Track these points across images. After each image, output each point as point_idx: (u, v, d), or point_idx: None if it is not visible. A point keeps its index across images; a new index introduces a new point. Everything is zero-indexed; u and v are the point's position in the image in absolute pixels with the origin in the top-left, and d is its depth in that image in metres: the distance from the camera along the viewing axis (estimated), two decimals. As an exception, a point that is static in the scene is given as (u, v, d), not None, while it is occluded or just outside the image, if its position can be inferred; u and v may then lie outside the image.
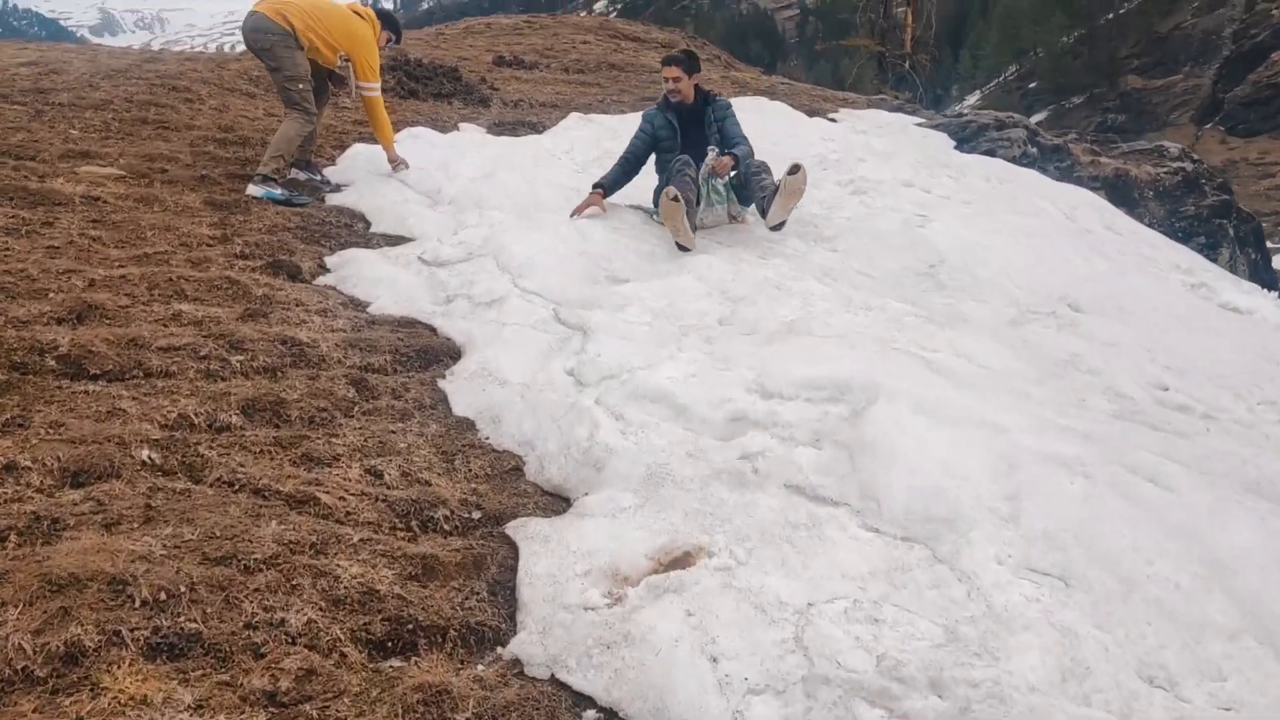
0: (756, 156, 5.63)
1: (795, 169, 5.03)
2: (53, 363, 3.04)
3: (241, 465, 2.65)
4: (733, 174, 5.58)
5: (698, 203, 5.56)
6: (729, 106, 5.96)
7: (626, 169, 6.03)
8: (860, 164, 7.21)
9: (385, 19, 6.49)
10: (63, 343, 3.12)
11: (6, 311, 3.33)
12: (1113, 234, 6.03)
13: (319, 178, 6.37)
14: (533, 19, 17.29)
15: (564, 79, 12.37)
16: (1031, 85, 74.96)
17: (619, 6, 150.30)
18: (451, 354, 3.91)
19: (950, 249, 4.75)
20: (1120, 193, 9.74)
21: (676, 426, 3.09)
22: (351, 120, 8.21)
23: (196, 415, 2.89)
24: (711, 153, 5.63)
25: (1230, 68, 59.11)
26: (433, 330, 4.13)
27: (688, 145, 5.87)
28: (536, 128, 9.59)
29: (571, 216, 5.59)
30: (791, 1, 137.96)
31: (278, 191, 5.70)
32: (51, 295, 3.61)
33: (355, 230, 5.43)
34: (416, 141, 7.61)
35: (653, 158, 6.00)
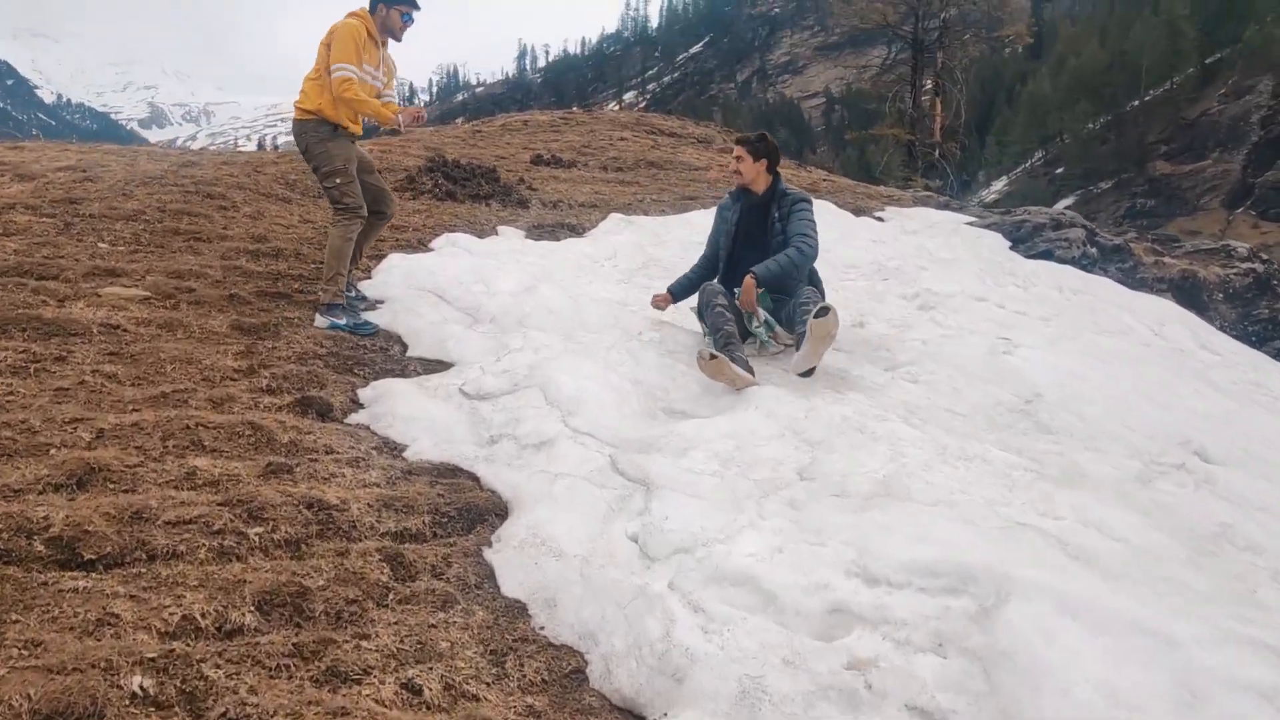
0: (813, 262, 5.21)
1: (824, 311, 4.43)
2: (41, 547, 2.62)
3: (253, 692, 2.19)
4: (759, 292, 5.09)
5: (745, 336, 5.16)
6: (802, 201, 5.34)
7: (704, 271, 5.70)
8: (922, 273, 6.79)
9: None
10: (56, 520, 2.71)
11: (2, 478, 2.94)
12: (1210, 354, 5.54)
13: (353, 293, 5.94)
14: (569, 115, 17.25)
15: (602, 177, 12.15)
16: (1058, 170, 75.26)
17: (648, 97, 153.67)
18: (498, 511, 3.47)
19: (1045, 382, 4.28)
20: (1188, 295, 9.26)
21: (767, 620, 2.61)
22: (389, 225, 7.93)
23: (203, 616, 2.45)
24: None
25: (1259, 153, 59.14)
26: (476, 480, 3.69)
27: (744, 243, 5.48)
28: (576, 230, 9.31)
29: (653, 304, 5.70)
30: (817, 91, 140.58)
31: (342, 320, 5.31)
32: (53, 453, 3.22)
33: (391, 355, 5.05)
34: (455, 250, 7.32)
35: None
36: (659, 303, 5.72)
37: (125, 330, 4.58)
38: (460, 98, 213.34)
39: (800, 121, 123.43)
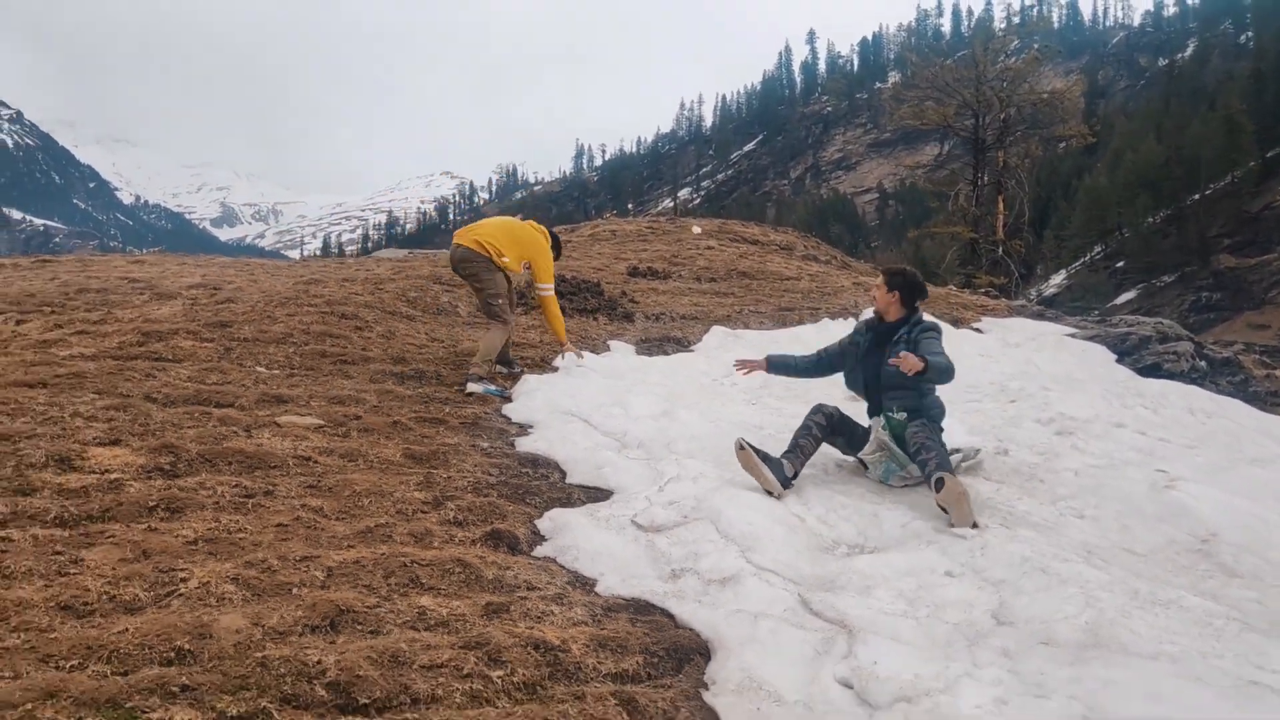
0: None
1: (940, 483, 4.56)
2: (322, 692, 2.82)
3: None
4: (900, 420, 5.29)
5: (860, 452, 5.45)
6: (931, 328, 5.44)
7: (811, 364, 6.01)
8: (1047, 394, 6.89)
9: (552, 236, 7.90)
10: (329, 664, 2.91)
11: (261, 620, 3.16)
12: (1365, 485, 5.55)
13: (518, 368, 7.71)
14: (654, 223, 17.77)
15: (697, 288, 12.49)
16: (1119, 264, 74.88)
17: (702, 194, 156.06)
18: (700, 649, 3.60)
19: (1220, 521, 4.34)
20: (1301, 408, 9.19)
21: (1008, 777, 2.70)
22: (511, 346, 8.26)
23: (484, 764, 2.62)
24: (877, 424, 5.40)
25: (1327, 245, 58.36)
26: (671, 618, 3.83)
27: (865, 364, 5.67)
28: (683, 344, 9.59)
29: (735, 366, 6.11)
30: (871, 186, 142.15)
31: (494, 387, 6.93)
32: (295, 591, 3.44)
33: (553, 483, 5.26)
34: (581, 369, 7.59)
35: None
36: (746, 368, 6.03)
37: (316, 462, 4.85)
38: (519, 195, 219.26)
39: (854, 217, 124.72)
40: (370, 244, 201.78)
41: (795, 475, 5.06)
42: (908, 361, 4.82)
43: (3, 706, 2.51)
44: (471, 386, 6.83)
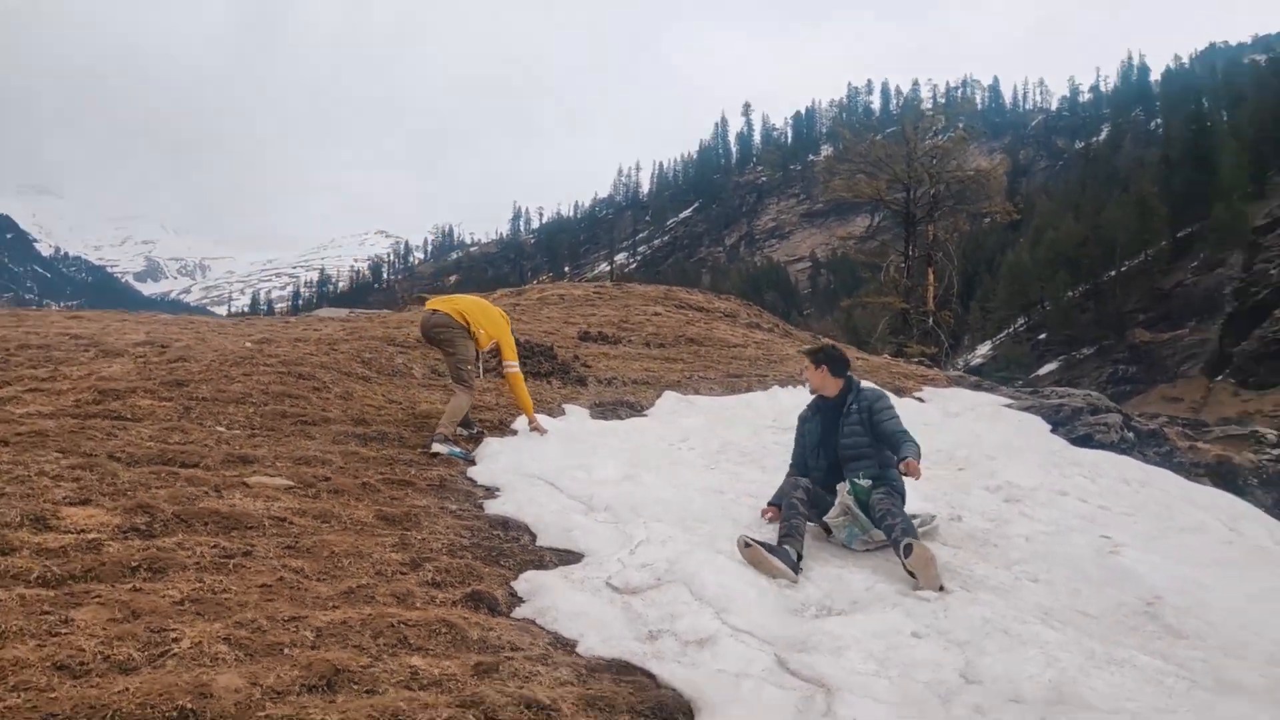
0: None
1: (909, 549, 4.77)
2: (330, 752, 2.86)
3: None
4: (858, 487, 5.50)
5: (824, 515, 5.60)
6: (880, 399, 5.74)
7: (800, 478, 6.03)
8: (992, 462, 7.19)
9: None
10: (333, 725, 2.95)
11: (258, 679, 3.19)
12: (1288, 552, 5.90)
13: (478, 429, 7.91)
14: (601, 289, 18.01)
15: (647, 354, 12.70)
16: (1041, 336, 77.40)
17: (638, 259, 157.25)
18: (683, 709, 3.69)
19: (1162, 585, 4.59)
20: (1224, 479, 9.68)
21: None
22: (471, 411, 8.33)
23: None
24: (843, 489, 5.56)
25: (1234, 324, 61.05)
26: (652, 678, 3.92)
27: (824, 446, 5.86)
28: (636, 408, 9.74)
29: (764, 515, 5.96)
30: (803, 255, 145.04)
31: (457, 449, 7.07)
32: (287, 652, 3.47)
33: (524, 545, 5.33)
34: (545, 436, 7.69)
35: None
36: (769, 516, 5.96)
37: (291, 523, 4.87)
38: (455, 256, 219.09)
39: (787, 285, 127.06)
40: (301, 301, 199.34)
41: (800, 557, 5.16)
42: (914, 471, 5.20)
43: (12, 766, 2.52)
44: (437, 447, 6.93)
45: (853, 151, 46.29)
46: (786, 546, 5.23)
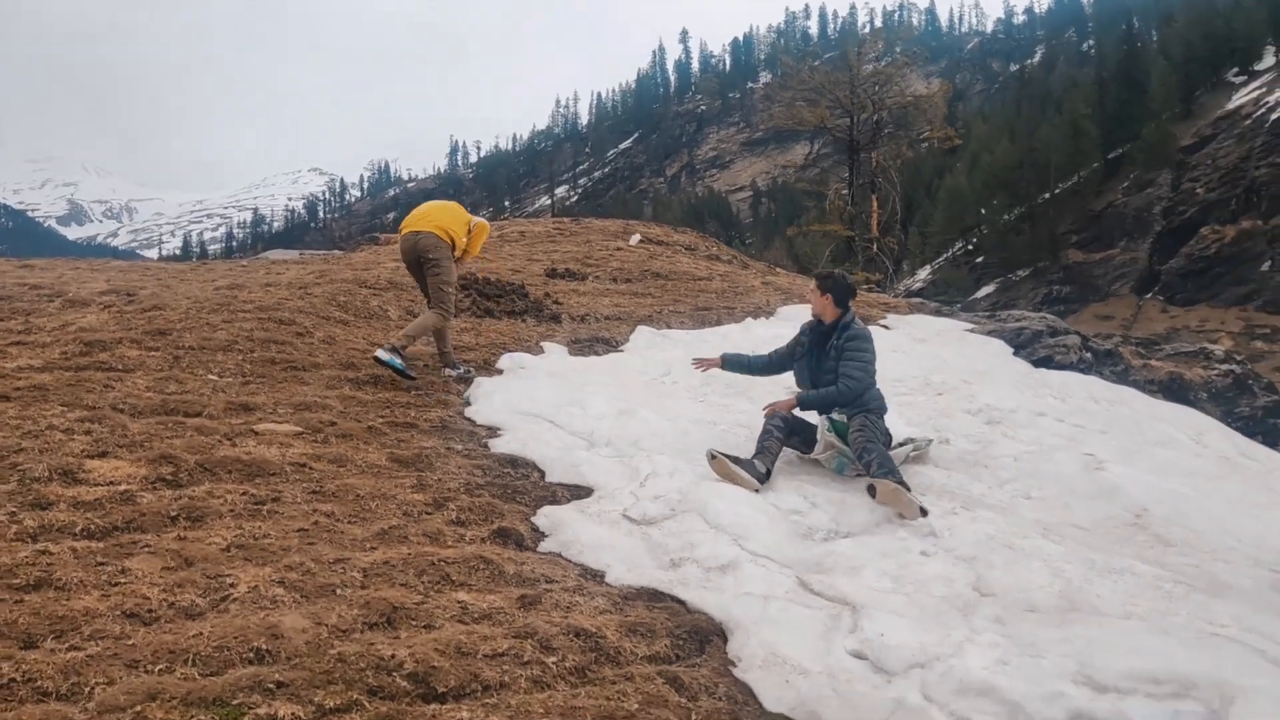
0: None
1: (872, 490, 5.00)
2: (404, 683, 3.00)
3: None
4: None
5: (813, 452, 5.88)
6: (856, 337, 5.86)
7: (764, 364, 6.37)
8: (969, 386, 7.46)
9: None
10: (404, 658, 3.09)
11: (321, 619, 3.31)
12: (1253, 461, 6.27)
13: (465, 370, 7.80)
14: (560, 224, 17.96)
15: (615, 289, 12.77)
16: (979, 260, 78.63)
17: (579, 191, 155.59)
18: (716, 631, 3.89)
19: (1147, 498, 4.90)
20: (1175, 395, 10.13)
21: (1024, 727, 3.09)
22: (458, 350, 8.38)
23: (572, 741, 2.86)
24: (822, 425, 5.82)
25: (1163, 242, 62.66)
26: (682, 603, 4.11)
27: (807, 365, 6.05)
28: (611, 344, 9.87)
29: (694, 363, 6.57)
30: (744, 185, 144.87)
31: (399, 362, 6.95)
32: (340, 592, 3.59)
33: (535, 482, 5.47)
34: (527, 372, 7.79)
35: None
36: (703, 365, 6.46)
37: (310, 468, 4.95)
38: (392, 193, 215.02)
39: (728, 214, 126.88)
40: (235, 243, 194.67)
41: (768, 472, 5.41)
42: (777, 404, 5.85)
43: (113, 710, 2.62)
44: (380, 354, 6.91)
45: (794, 79, 46.19)
46: (755, 461, 5.46)
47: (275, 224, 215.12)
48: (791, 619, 3.86)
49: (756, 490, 5.24)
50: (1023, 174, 74.20)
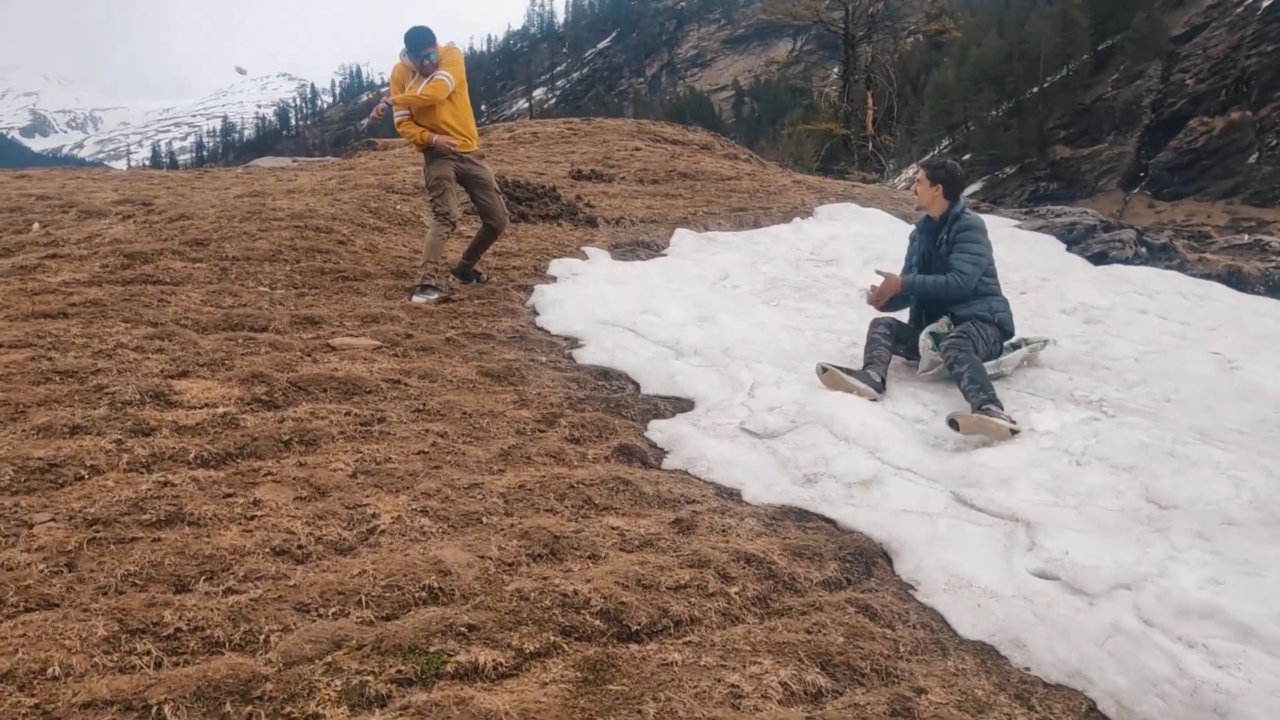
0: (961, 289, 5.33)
1: (953, 423, 4.50)
2: (596, 622, 2.72)
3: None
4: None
5: (919, 370, 5.48)
6: (968, 227, 5.46)
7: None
8: (1047, 284, 7.16)
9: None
10: (589, 594, 2.80)
11: (481, 552, 3.00)
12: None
13: (473, 281, 7.18)
14: (571, 124, 17.28)
15: (644, 191, 12.28)
16: (965, 157, 77.73)
17: (558, 94, 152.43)
18: (878, 552, 3.62)
19: (1295, 397, 4.64)
20: (1235, 288, 9.85)
21: (1262, 653, 2.84)
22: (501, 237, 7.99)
23: (793, 682, 2.58)
24: (924, 342, 5.43)
25: (1151, 135, 62.06)
26: (831, 522, 3.84)
27: (922, 266, 5.69)
28: (653, 248, 9.48)
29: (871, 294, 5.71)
30: (726, 84, 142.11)
31: (434, 295, 6.40)
32: (487, 520, 3.29)
33: (633, 395, 5.15)
34: (584, 279, 7.42)
35: None
36: (879, 297, 5.69)
37: (405, 384, 4.60)
38: (365, 98, 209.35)
39: (711, 115, 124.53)
40: (205, 152, 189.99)
41: (883, 381, 5.10)
42: (884, 287, 5.51)
43: (300, 661, 2.33)
44: (416, 298, 6.37)
45: (788, -32, 44.88)
46: (869, 370, 5.15)
47: (246, 132, 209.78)
48: (964, 537, 3.58)
49: (875, 399, 4.94)
50: (1011, 67, 72.83)
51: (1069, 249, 10.02)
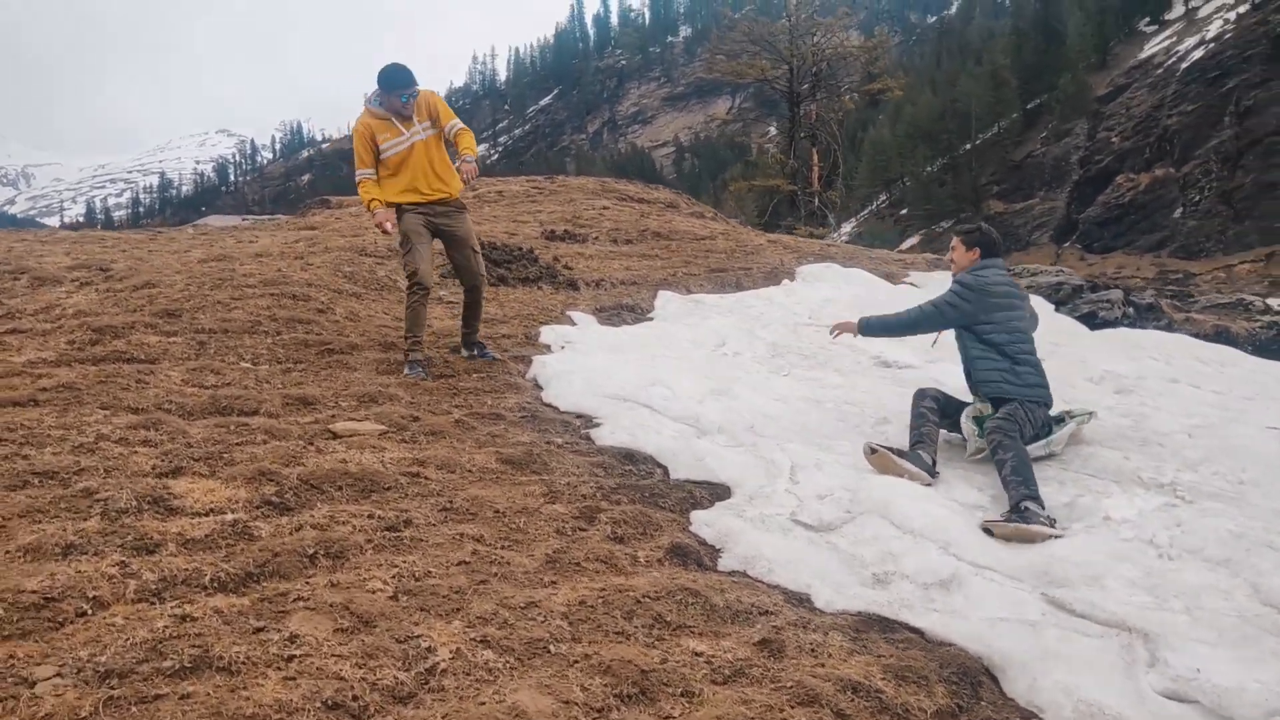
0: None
1: (987, 531, 4.13)
2: (718, 786, 2.29)
3: None
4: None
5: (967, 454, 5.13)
6: (958, 282, 5.32)
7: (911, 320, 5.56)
8: (1060, 349, 6.93)
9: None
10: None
11: (562, 695, 2.55)
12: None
13: (474, 353, 6.62)
14: (535, 182, 16.97)
15: (619, 251, 11.98)
16: (903, 212, 79.29)
17: (500, 149, 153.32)
18: (979, 669, 3.24)
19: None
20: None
21: None
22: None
23: None
24: (966, 421, 5.13)
25: (1080, 191, 63.84)
26: (919, 633, 3.45)
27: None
28: (637, 311, 9.17)
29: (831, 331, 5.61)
30: (667, 140, 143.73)
31: (421, 372, 5.96)
32: (554, 650, 2.84)
33: (665, 481, 4.72)
34: (579, 347, 7.05)
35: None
36: (842, 329, 5.52)
37: (426, 478, 4.14)
38: (306, 154, 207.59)
39: (652, 170, 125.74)
40: (142, 209, 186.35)
41: (934, 462, 4.76)
42: (842, 325, 5.50)
43: None
44: (407, 372, 5.97)
45: (737, 30, 45.61)
46: (920, 452, 4.82)
47: (184, 188, 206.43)
48: (1079, 652, 3.21)
49: (929, 484, 4.59)
50: (944, 124, 74.86)
51: (1057, 309, 9.90)
